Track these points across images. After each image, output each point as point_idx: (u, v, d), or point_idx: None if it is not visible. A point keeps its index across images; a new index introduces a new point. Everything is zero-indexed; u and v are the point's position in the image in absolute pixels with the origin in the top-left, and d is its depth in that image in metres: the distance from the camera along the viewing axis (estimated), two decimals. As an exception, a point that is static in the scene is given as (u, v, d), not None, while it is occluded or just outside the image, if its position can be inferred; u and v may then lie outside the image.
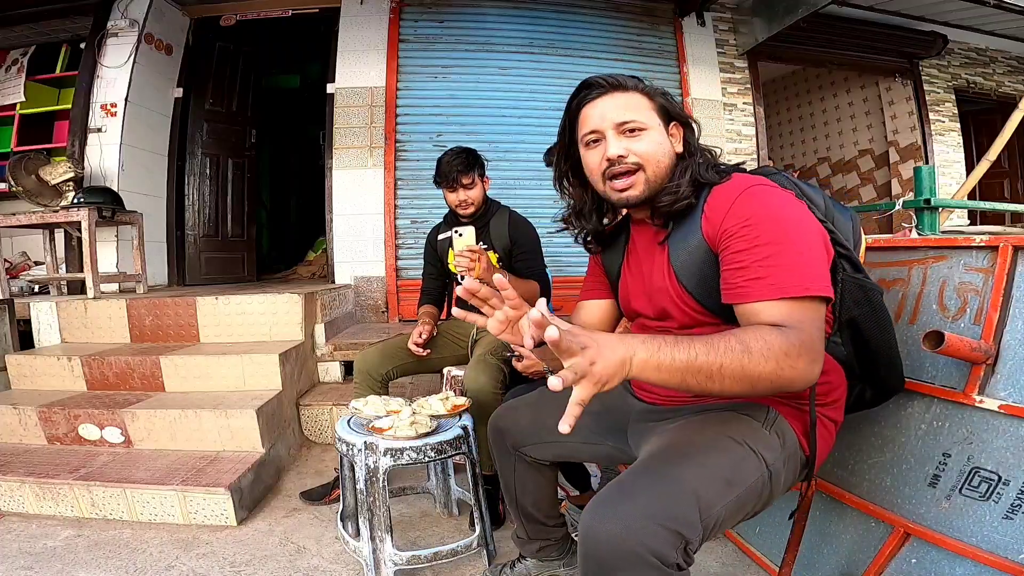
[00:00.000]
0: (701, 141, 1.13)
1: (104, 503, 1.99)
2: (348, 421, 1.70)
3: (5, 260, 3.80)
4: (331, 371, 3.19)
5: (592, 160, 1.10)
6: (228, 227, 4.49)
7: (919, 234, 2.35)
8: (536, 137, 4.03)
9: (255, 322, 2.97)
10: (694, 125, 1.12)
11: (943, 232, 2.53)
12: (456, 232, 1.89)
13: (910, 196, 2.47)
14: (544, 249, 2.30)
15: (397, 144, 4.10)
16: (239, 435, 2.29)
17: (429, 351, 2.11)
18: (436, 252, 2.32)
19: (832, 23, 4.64)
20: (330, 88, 4.07)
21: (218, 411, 2.29)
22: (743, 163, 1.15)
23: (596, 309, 1.31)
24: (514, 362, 1.79)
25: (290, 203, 6.43)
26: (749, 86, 4.66)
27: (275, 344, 2.85)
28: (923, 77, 5.29)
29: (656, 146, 1.06)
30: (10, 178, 3.27)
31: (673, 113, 1.09)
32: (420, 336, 2.06)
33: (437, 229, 2.32)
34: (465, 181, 2.07)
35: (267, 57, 4.99)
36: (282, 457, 2.47)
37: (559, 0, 4.29)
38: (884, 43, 4.93)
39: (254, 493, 2.11)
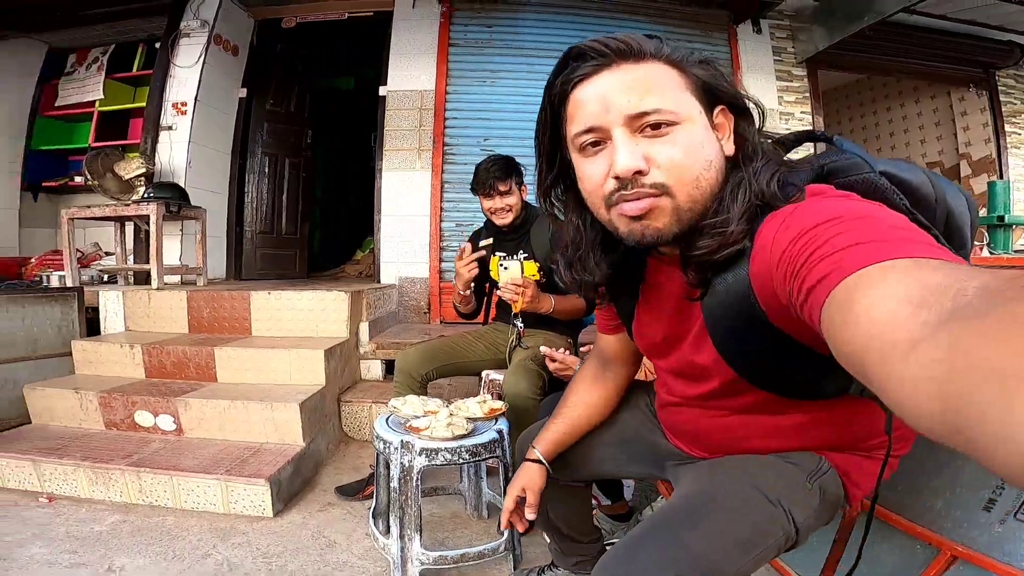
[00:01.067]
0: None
1: (151, 489, 2.08)
2: (386, 419, 1.73)
3: (77, 250, 4.07)
4: (373, 369, 3.26)
5: (590, 174, 0.73)
6: (283, 225, 4.68)
7: (991, 253, 2.21)
8: (583, 144, 4.02)
9: (304, 318, 3.06)
10: (754, 109, 0.76)
11: (1016, 251, 2.36)
12: (502, 266, 1.93)
13: (983, 212, 2.31)
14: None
15: (445, 147, 4.16)
16: (282, 428, 2.36)
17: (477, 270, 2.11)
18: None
19: (900, 31, 4.42)
20: (382, 91, 4.18)
21: (264, 403, 2.37)
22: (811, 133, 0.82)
23: (619, 344, 1.08)
24: (547, 362, 1.80)
25: (341, 203, 6.63)
26: (808, 95, 4.50)
27: (321, 340, 2.93)
28: (999, 88, 4.97)
29: (694, 151, 0.69)
30: (87, 172, 3.50)
31: (720, 92, 0.73)
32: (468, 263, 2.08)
33: (478, 234, 2.33)
34: (502, 188, 2.07)
35: (324, 59, 5.17)
36: (321, 451, 2.53)
37: (608, 7, 4.27)
38: (957, 52, 4.67)
39: (292, 486, 2.17)
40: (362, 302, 3.29)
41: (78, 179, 4.27)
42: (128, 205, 3.30)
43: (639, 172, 0.68)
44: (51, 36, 4.45)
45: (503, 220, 2.13)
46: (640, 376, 1.28)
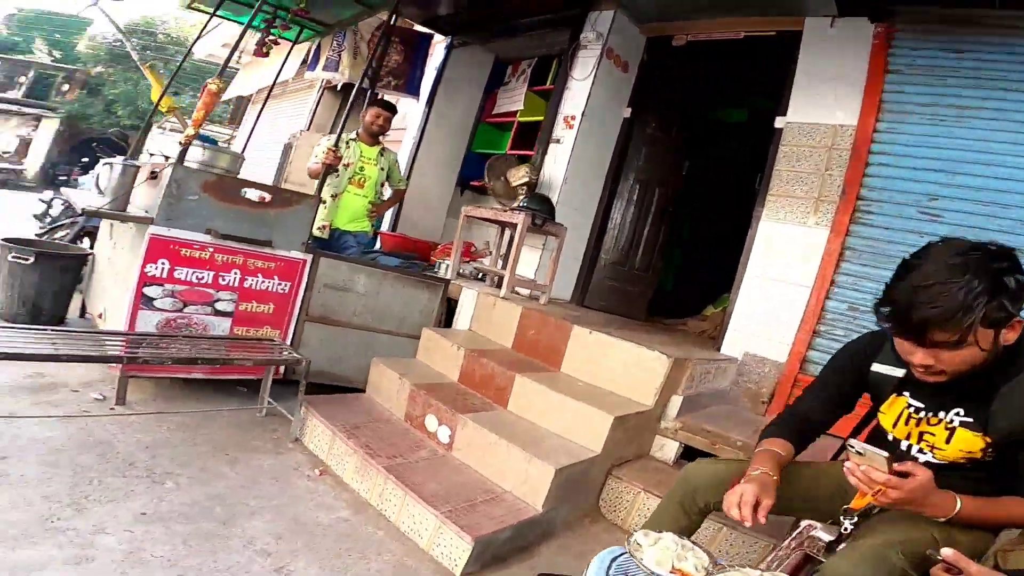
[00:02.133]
0: None
1: (388, 498, 2.13)
2: (612, 560, 1.23)
3: (472, 244, 4.75)
4: (667, 449, 2.73)
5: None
6: (637, 259, 4.45)
7: None
8: None
9: (614, 368, 2.75)
10: None
11: None
12: (852, 447, 1.16)
13: None
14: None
15: (859, 201, 3.11)
16: (529, 484, 2.18)
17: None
18: (859, 375, 1.46)
19: None
20: (779, 122, 3.39)
21: (525, 453, 2.21)
22: None
23: None
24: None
25: (706, 248, 5.96)
26: None
27: (620, 401, 2.62)
28: None
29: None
30: (487, 174, 3.99)
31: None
32: (749, 509, 1.29)
33: (877, 345, 1.44)
34: (941, 337, 1.11)
35: (713, 83, 4.66)
36: (557, 521, 2.23)
37: None
38: None
39: (500, 550, 1.96)
40: (684, 372, 2.77)
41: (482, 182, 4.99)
42: (505, 211, 3.59)
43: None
44: (496, 46, 5.22)
45: (936, 378, 1.21)
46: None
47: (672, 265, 5.31)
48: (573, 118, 4.02)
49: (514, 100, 5.02)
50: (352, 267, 3.09)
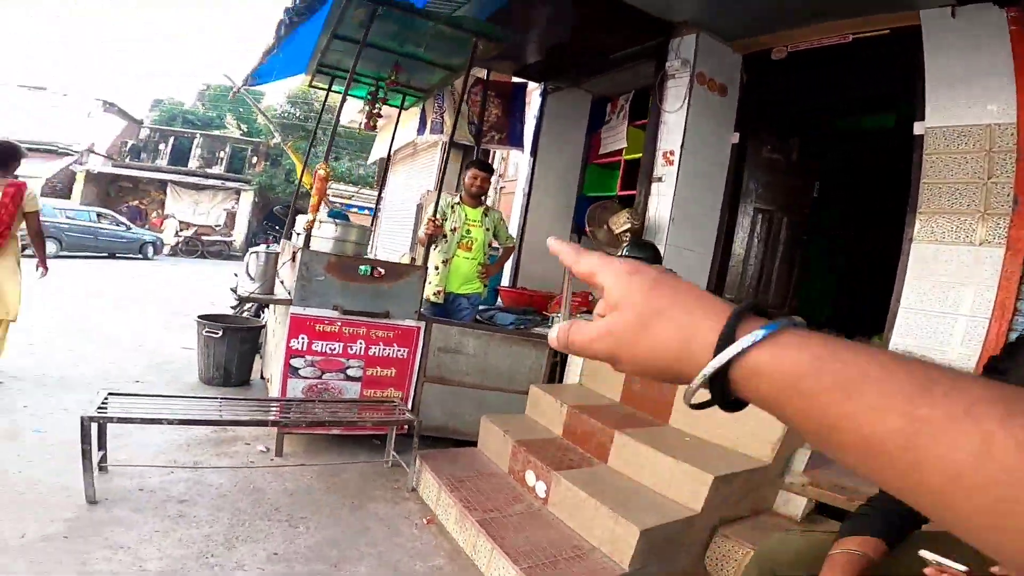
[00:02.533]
0: None
1: (479, 550, 2.22)
2: None
3: (590, 294, 4.75)
4: (793, 504, 2.45)
5: None
6: (769, 295, 4.04)
7: None
8: None
9: (726, 421, 2.54)
10: None
11: None
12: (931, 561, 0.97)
13: None
14: None
15: (1041, 210, 2.51)
16: (615, 543, 2.12)
17: None
18: None
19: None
20: (918, 128, 2.91)
21: (616, 511, 2.16)
22: None
23: None
24: None
25: (849, 279, 5.07)
26: None
27: (731, 457, 2.45)
28: None
29: None
30: (587, 223, 3.99)
31: None
32: None
33: None
34: None
35: (826, 93, 4.08)
36: None
37: None
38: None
39: None
40: (812, 426, 2.42)
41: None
42: None
43: None
44: (590, 85, 5.17)
45: None
46: None
47: (808, 301, 4.61)
48: (672, 153, 3.82)
49: (617, 138, 4.92)
50: (461, 331, 3.34)
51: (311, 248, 3.04)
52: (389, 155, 5.83)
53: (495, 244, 3.98)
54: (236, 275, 6.26)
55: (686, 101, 3.75)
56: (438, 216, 3.49)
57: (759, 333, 0.36)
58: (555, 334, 0.47)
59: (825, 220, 4.36)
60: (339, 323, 3.06)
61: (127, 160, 20.26)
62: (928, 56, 2.95)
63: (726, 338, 0.37)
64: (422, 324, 3.25)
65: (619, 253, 3.50)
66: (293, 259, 3.14)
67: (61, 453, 2.62)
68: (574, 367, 3.51)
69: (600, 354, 0.44)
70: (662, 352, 0.41)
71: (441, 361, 3.32)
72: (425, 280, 3.30)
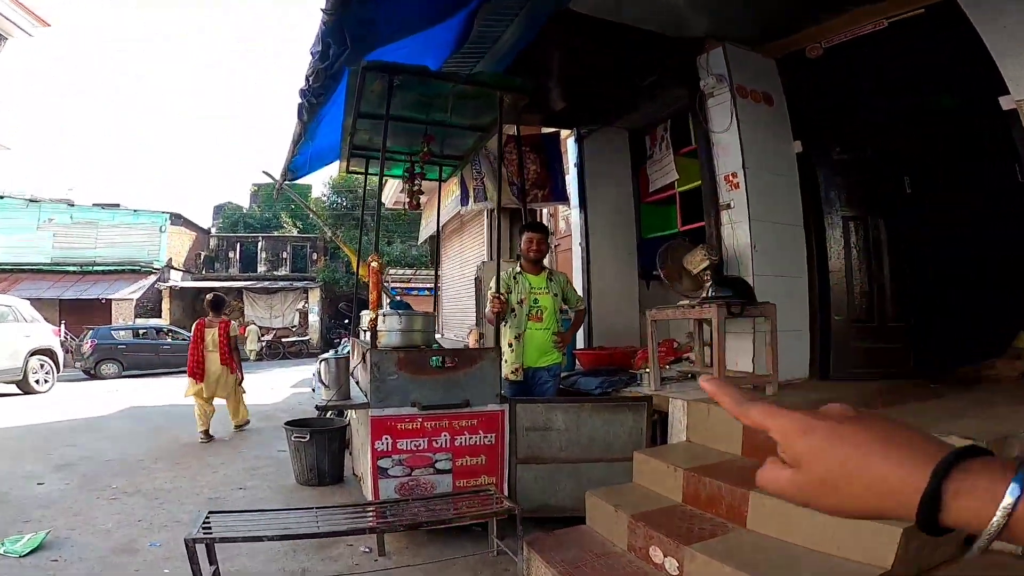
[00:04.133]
0: None
1: None
2: None
3: (675, 342, 4.40)
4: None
5: None
6: (886, 308, 3.53)
7: None
8: None
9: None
10: None
11: None
12: None
13: None
14: None
15: None
16: None
17: None
18: None
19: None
20: (1006, 103, 2.57)
21: None
22: None
23: None
24: None
25: (976, 266, 4.28)
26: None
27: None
28: None
29: None
30: (661, 271, 3.63)
31: None
32: None
33: None
34: None
35: (872, 84, 3.61)
36: None
37: None
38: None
39: None
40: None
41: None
42: (693, 307, 3.27)
43: None
44: (623, 121, 4.91)
45: None
46: None
47: (933, 303, 3.94)
48: (735, 176, 3.49)
49: (666, 172, 4.65)
50: (548, 407, 3.12)
51: (379, 347, 2.95)
52: (439, 231, 5.74)
53: (565, 307, 3.74)
54: (314, 376, 6.48)
55: (733, 117, 3.46)
56: (502, 291, 3.33)
57: (1008, 501, 0.35)
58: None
59: (927, 214, 3.83)
60: (420, 419, 2.92)
61: (204, 271, 21.20)
62: (981, 28, 2.63)
63: (931, 498, 0.36)
64: (505, 407, 3.06)
65: (704, 295, 3.19)
66: (364, 360, 3.07)
67: (182, 568, 2.48)
68: (677, 425, 3.17)
69: (796, 502, 0.44)
70: (858, 507, 0.41)
71: (531, 441, 3.09)
72: (501, 359, 3.13)
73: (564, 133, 5.31)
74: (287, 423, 4.30)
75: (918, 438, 0.39)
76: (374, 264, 3.05)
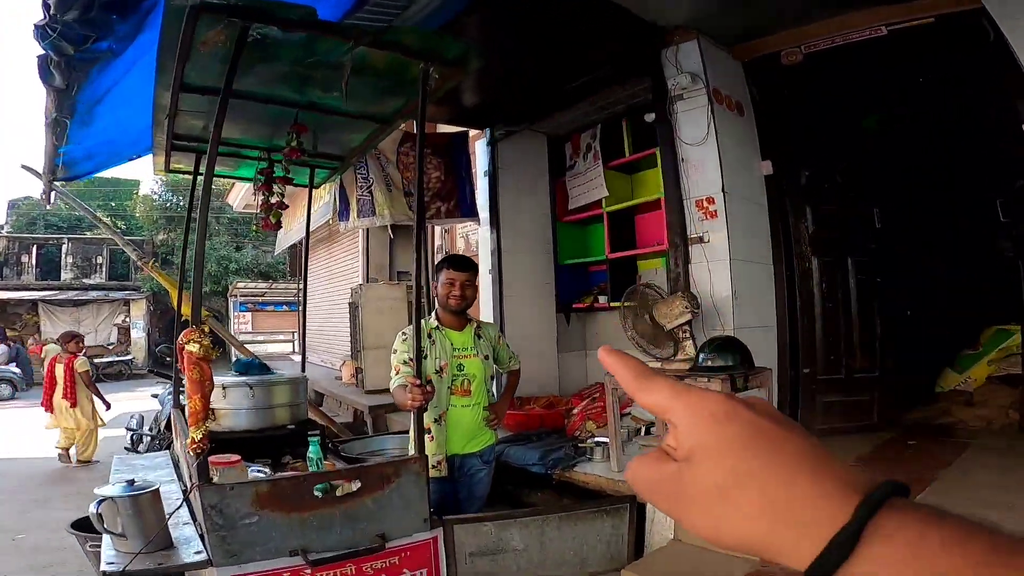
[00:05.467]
0: None
1: None
2: None
3: (611, 385, 3.72)
4: None
5: None
6: (855, 359, 3.20)
7: None
8: None
9: None
10: None
11: None
12: None
13: None
14: None
15: None
16: None
17: None
18: None
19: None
20: None
21: None
22: None
23: None
24: None
25: (948, 301, 4.17)
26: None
27: None
28: None
29: None
30: (623, 320, 2.90)
31: None
32: None
33: None
34: None
35: (860, 99, 3.38)
36: None
37: None
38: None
39: None
40: None
41: (602, 298, 3.96)
42: (685, 376, 2.50)
43: None
44: (545, 124, 4.13)
45: None
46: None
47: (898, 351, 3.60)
48: (711, 201, 2.79)
49: (591, 187, 3.92)
50: (500, 524, 2.21)
51: (217, 481, 1.81)
52: (307, 243, 4.32)
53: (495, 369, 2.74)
54: (132, 418, 5.64)
55: (711, 127, 2.75)
56: (410, 358, 2.27)
57: None
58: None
59: (903, 249, 3.51)
60: (309, 572, 1.83)
61: (-14, 279, 16.66)
62: (1012, 36, 2.29)
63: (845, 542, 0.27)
64: (438, 532, 2.09)
65: (683, 356, 2.50)
66: (195, 497, 1.85)
67: None
68: (659, 522, 2.45)
69: (663, 509, 0.33)
70: (740, 530, 0.30)
71: (478, 569, 2.16)
72: (427, 468, 2.13)
73: (473, 134, 4.29)
74: (72, 525, 2.79)
75: (838, 460, 0.30)
76: (192, 348, 1.75)
